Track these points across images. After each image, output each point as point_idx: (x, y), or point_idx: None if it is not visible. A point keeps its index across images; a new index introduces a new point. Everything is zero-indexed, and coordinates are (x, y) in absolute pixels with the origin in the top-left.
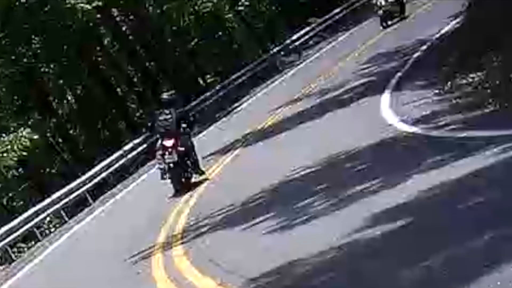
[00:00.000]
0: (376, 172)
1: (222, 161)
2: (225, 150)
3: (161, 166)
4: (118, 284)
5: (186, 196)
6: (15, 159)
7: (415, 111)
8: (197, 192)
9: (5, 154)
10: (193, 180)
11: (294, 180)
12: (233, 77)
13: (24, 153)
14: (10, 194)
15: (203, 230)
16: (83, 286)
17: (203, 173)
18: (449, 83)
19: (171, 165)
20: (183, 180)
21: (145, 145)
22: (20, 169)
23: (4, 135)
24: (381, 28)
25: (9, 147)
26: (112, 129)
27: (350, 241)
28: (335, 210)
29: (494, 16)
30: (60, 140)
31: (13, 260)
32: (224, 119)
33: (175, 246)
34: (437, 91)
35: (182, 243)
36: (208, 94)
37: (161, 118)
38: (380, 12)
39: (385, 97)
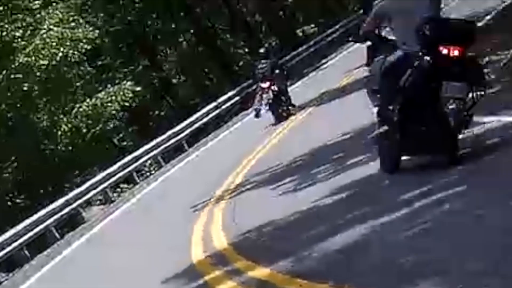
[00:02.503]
0: None
1: (296, 118)
2: (301, 107)
3: (255, 107)
4: (171, 227)
5: (259, 147)
6: (118, 108)
7: None
8: (264, 149)
9: (109, 104)
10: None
11: (333, 144)
12: (325, 34)
13: (127, 104)
14: (121, 135)
15: (248, 186)
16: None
17: (294, 106)
18: (486, 58)
19: (270, 101)
20: (280, 111)
21: (238, 97)
22: (125, 113)
23: (109, 85)
24: None
25: (113, 97)
26: (213, 79)
27: (319, 203)
28: (331, 177)
29: None
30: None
31: (113, 201)
32: (310, 75)
33: (224, 199)
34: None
35: (230, 197)
36: (300, 49)
37: (259, 67)
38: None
39: None
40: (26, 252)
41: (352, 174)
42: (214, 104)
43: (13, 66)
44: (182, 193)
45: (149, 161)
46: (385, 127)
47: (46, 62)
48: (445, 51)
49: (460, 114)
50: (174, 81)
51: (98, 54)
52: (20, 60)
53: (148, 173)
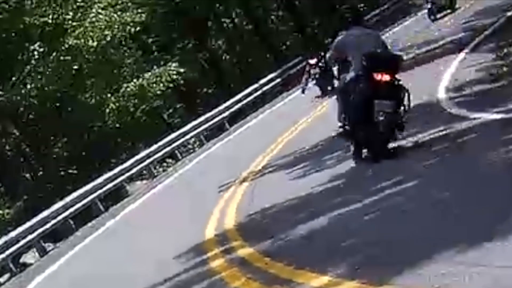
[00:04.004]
0: None
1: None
2: None
3: (303, 84)
4: (197, 205)
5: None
6: (163, 89)
7: (469, 73)
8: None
9: (154, 85)
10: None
11: None
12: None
13: (171, 85)
14: (170, 110)
15: (271, 169)
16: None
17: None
18: (504, 51)
19: (316, 75)
20: (327, 87)
21: (279, 79)
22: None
23: (155, 66)
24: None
25: (158, 78)
26: (259, 60)
27: (315, 190)
28: (336, 165)
29: None
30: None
31: (155, 176)
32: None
33: (247, 181)
34: (495, 56)
35: (252, 179)
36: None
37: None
38: (428, 5)
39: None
40: (72, 223)
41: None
42: (257, 84)
43: (63, 48)
44: (216, 171)
45: (193, 139)
46: (341, 130)
47: (95, 44)
48: (377, 77)
49: (388, 123)
50: (221, 61)
51: (145, 35)
52: (70, 42)
53: (191, 150)
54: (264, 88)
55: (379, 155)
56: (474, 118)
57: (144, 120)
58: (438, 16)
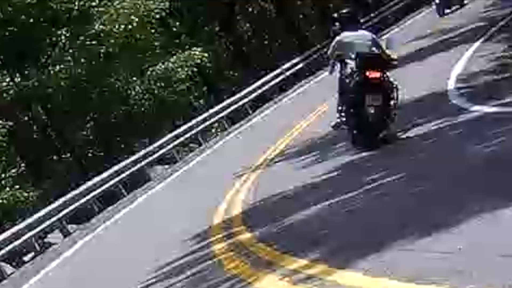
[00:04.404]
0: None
1: None
2: None
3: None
4: (212, 191)
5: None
6: (188, 73)
7: (481, 63)
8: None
9: (179, 69)
10: None
11: None
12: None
13: (195, 69)
14: (196, 94)
15: (284, 156)
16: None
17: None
18: None
19: None
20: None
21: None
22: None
23: (180, 51)
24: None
25: (183, 63)
26: (283, 45)
27: (315, 180)
28: (341, 155)
29: None
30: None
31: (177, 161)
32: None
33: (260, 168)
34: (506, 46)
35: (267, 165)
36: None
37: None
38: (437, 0)
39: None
40: (95, 206)
41: (357, 153)
42: (279, 70)
43: (89, 33)
44: (235, 157)
45: (216, 123)
46: (338, 120)
47: (120, 30)
48: (368, 74)
49: (378, 115)
50: (246, 45)
51: (171, 19)
52: (96, 28)
53: (214, 134)
54: (289, 72)
55: (370, 143)
56: (473, 111)
57: (169, 103)
58: (447, 11)
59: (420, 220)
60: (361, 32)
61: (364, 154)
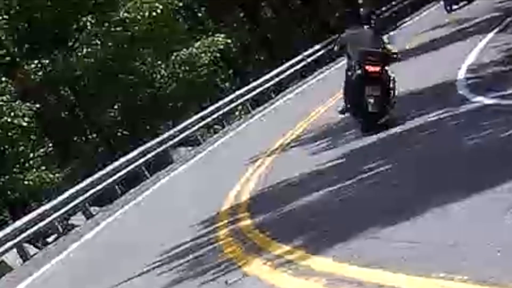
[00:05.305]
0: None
1: None
2: None
3: None
4: (226, 175)
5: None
6: (211, 58)
7: (492, 54)
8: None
9: (202, 55)
10: None
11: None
12: None
13: (218, 54)
14: (222, 76)
15: (298, 142)
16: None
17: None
18: None
19: None
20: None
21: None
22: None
23: (204, 36)
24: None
25: (206, 48)
26: (307, 31)
27: (320, 167)
28: (350, 142)
29: None
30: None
31: (200, 143)
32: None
33: (275, 153)
34: None
35: (283, 150)
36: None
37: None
38: None
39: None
40: (118, 188)
41: (366, 139)
42: (299, 57)
43: (114, 19)
44: (256, 140)
45: (240, 106)
46: (343, 105)
47: (146, 16)
48: (368, 68)
49: (376, 104)
50: (270, 32)
51: (196, 4)
52: (121, 15)
53: (238, 117)
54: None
55: (370, 129)
56: (474, 102)
57: (195, 86)
58: (455, 7)
59: (395, 210)
60: (363, 29)
61: (368, 142)
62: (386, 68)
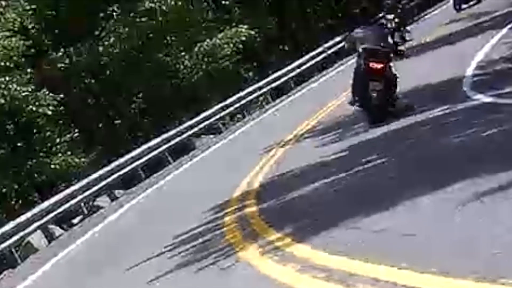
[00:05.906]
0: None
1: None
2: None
3: None
4: (242, 164)
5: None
6: (234, 50)
7: (503, 50)
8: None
9: (225, 46)
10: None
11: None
12: None
13: (240, 46)
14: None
15: (311, 134)
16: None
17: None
18: None
19: None
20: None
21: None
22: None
23: (228, 26)
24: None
25: (229, 39)
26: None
27: (324, 159)
28: (356, 135)
29: None
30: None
31: (221, 131)
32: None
33: (288, 144)
34: None
35: (296, 141)
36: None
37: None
38: None
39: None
40: (142, 172)
41: (371, 133)
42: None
43: (139, 9)
44: (273, 129)
45: (261, 96)
46: (352, 97)
47: (169, 8)
48: (371, 65)
49: (379, 98)
50: (295, 21)
51: None
52: (146, 5)
53: (259, 106)
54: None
55: (374, 120)
56: (474, 100)
57: (219, 76)
58: (464, 6)
59: (380, 201)
60: (372, 27)
61: (371, 136)
62: (391, 64)
